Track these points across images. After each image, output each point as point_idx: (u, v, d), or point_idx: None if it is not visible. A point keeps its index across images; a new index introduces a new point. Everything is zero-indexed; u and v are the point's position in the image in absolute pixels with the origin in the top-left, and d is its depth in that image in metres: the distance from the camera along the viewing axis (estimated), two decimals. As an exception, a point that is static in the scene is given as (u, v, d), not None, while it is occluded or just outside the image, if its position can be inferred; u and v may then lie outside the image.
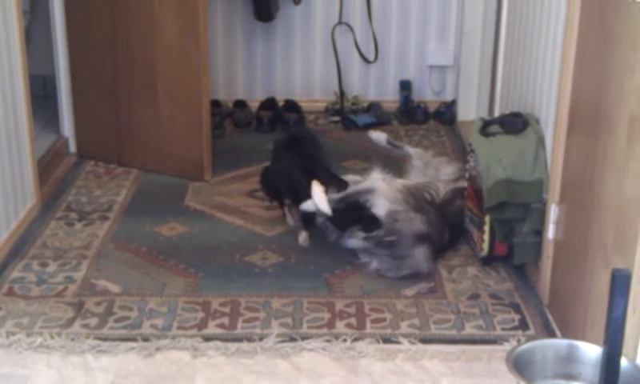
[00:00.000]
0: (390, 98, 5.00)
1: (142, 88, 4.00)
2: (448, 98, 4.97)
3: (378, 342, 2.71)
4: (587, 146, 2.54)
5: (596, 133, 2.45)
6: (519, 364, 2.05)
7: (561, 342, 2.19)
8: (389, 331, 2.77)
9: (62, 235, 3.43)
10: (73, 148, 4.30)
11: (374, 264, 3.15)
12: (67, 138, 4.30)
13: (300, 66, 4.99)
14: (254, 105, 4.88)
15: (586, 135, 2.56)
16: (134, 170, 4.10)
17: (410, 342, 2.71)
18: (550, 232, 2.88)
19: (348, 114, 4.81)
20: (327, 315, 2.87)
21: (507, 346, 2.66)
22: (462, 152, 4.18)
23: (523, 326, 2.81)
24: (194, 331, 2.76)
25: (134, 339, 2.70)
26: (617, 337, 1.79)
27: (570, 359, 2.11)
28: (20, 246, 3.31)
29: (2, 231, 3.24)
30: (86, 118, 4.21)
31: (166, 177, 4.02)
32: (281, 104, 4.84)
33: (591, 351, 2.09)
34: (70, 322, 2.80)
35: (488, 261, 3.17)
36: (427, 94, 5.01)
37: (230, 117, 4.81)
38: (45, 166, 3.91)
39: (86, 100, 4.18)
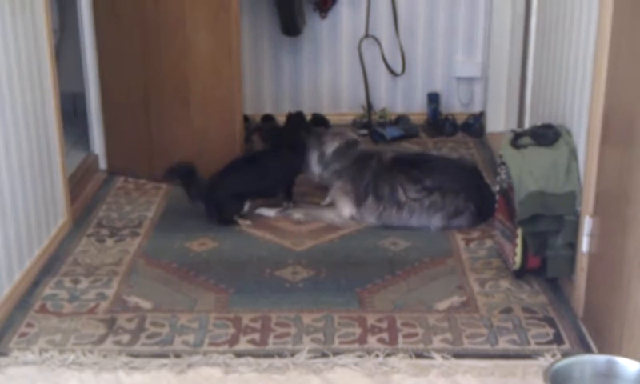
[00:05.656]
0: (417, 110, 4.98)
1: (175, 103, 4.02)
2: (476, 109, 4.95)
3: (411, 357, 2.69)
4: (622, 157, 2.50)
5: (631, 142, 2.41)
6: (557, 380, 2.02)
7: (599, 358, 2.15)
8: (421, 346, 2.74)
9: (93, 252, 3.45)
10: (103, 165, 4.33)
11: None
12: (97, 154, 4.33)
13: (327, 80, 4.99)
14: (281, 119, 4.88)
15: (621, 145, 2.53)
16: (163, 186, 4.11)
17: (442, 357, 2.68)
18: (584, 245, 2.84)
19: (376, 127, 4.80)
20: (359, 330, 2.85)
21: (542, 361, 2.62)
22: (491, 164, 4.15)
23: (558, 340, 2.77)
24: (226, 347, 2.75)
25: (165, 356, 2.70)
26: (657, 352, 1.76)
27: (608, 375, 2.07)
28: (52, 263, 3.33)
29: (33, 248, 3.27)
30: (117, 135, 4.24)
31: (195, 192, 4.02)
32: (308, 118, 4.84)
33: (631, 367, 2.05)
34: (102, 339, 2.81)
35: (521, 274, 3.14)
36: (455, 106, 4.99)
37: (257, 131, 4.82)
38: (75, 183, 3.94)
39: (117, 116, 4.21)
